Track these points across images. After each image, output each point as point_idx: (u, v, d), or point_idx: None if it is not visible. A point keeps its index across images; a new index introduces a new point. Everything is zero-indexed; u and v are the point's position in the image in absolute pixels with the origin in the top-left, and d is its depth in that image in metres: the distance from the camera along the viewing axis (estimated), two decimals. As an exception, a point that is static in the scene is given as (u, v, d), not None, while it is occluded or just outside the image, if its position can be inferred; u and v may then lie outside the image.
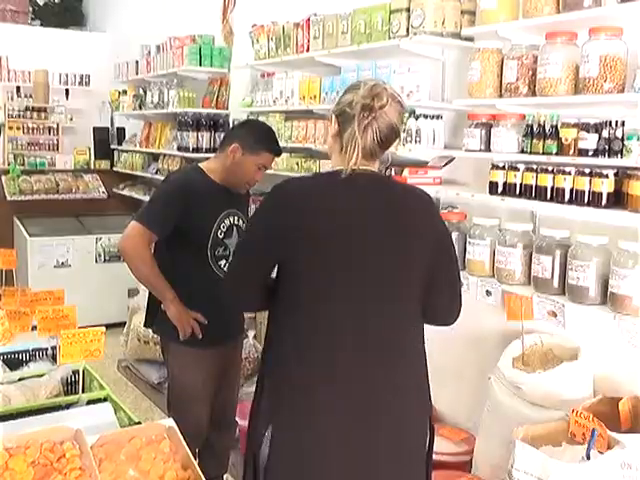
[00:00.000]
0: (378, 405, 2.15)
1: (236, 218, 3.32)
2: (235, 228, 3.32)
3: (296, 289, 2.17)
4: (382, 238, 2.14)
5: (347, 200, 2.16)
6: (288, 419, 2.14)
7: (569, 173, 2.94)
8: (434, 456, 3.48)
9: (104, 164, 8.44)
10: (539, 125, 3.08)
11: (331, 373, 2.12)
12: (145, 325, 3.58)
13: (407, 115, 3.74)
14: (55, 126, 8.74)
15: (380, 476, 2.18)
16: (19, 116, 8.55)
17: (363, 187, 2.17)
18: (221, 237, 3.26)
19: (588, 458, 2.55)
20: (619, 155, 2.77)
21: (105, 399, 2.64)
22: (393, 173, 3.82)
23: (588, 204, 2.88)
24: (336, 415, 2.11)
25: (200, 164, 3.41)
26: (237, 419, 3.76)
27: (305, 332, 2.15)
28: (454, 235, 3.52)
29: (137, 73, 7.41)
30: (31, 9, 10.68)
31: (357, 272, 2.13)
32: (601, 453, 2.58)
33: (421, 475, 2.38)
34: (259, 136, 3.33)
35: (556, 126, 3.01)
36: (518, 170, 3.18)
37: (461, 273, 3.47)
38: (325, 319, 2.14)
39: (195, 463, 2.05)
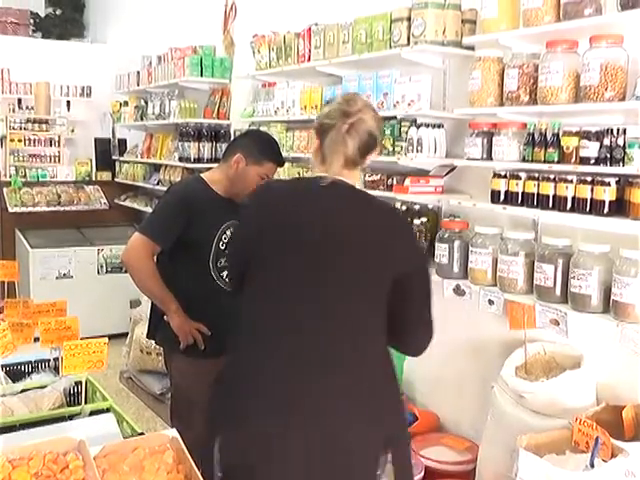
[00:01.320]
0: (308, 414, 2.09)
1: None
2: None
3: (255, 296, 2.23)
4: (343, 255, 2.12)
5: (316, 211, 2.18)
6: (227, 424, 2.19)
7: (571, 181, 2.94)
8: (438, 465, 3.50)
9: (105, 175, 8.44)
10: (540, 133, 3.08)
11: (263, 383, 2.14)
12: (148, 336, 3.57)
13: (408, 124, 3.75)
14: (56, 138, 8.73)
15: None
16: (20, 128, 8.54)
17: (337, 198, 2.17)
18: (223, 248, 3.25)
19: (592, 466, 2.55)
20: (621, 163, 2.76)
21: (108, 410, 2.64)
22: (395, 182, 3.83)
23: (590, 212, 2.88)
24: (264, 422, 2.10)
25: (202, 174, 3.41)
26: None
27: (251, 350, 2.21)
28: (456, 244, 3.53)
29: (138, 84, 7.41)
30: (32, 21, 10.69)
31: (312, 285, 2.13)
32: (605, 461, 2.58)
33: None
34: (263, 146, 3.34)
35: (557, 134, 3.01)
36: (520, 179, 3.18)
37: (463, 282, 3.52)
38: (267, 330, 2.18)
39: (199, 473, 2.04)
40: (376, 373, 2.19)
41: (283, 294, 2.16)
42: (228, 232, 3.27)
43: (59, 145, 8.73)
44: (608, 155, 2.80)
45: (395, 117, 3.88)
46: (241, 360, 2.23)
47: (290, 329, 2.14)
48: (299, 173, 4.63)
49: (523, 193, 3.16)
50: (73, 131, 9.21)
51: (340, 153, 2.15)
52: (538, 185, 3.09)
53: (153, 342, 4.17)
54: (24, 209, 7.65)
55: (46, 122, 8.73)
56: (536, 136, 3.10)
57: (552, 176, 3.03)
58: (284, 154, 3.85)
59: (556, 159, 3.00)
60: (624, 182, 2.82)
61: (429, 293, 2.26)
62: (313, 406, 2.08)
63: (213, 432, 2.21)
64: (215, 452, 2.17)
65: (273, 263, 2.18)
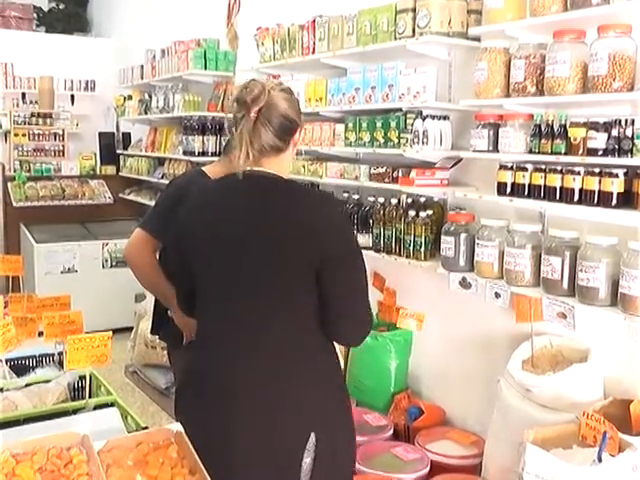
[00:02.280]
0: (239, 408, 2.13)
1: None
2: None
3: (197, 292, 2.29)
4: (256, 243, 2.09)
5: (231, 207, 2.16)
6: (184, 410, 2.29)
7: (578, 173, 2.91)
8: (444, 459, 3.49)
9: (110, 169, 8.45)
10: (547, 125, 3.06)
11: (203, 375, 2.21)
12: (152, 332, 3.56)
13: (414, 116, 3.72)
14: (60, 132, 8.73)
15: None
16: (25, 122, 8.54)
17: (253, 190, 2.14)
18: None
19: (599, 461, 2.54)
20: (629, 154, 2.74)
21: (112, 404, 2.63)
22: (400, 174, 3.81)
23: (597, 204, 2.86)
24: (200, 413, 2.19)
25: (204, 168, 3.38)
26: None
27: (198, 333, 2.35)
28: (462, 237, 3.51)
29: (142, 78, 7.41)
30: (35, 16, 10.68)
31: (237, 281, 2.14)
32: (612, 456, 2.56)
33: None
34: None
35: (565, 126, 2.99)
36: (526, 170, 3.16)
37: (469, 275, 3.50)
38: (202, 319, 2.30)
39: (203, 468, 2.03)
40: (300, 358, 2.15)
41: (212, 291, 2.21)
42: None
43: (63, 139, 8.73)
44: (616, 146, 2.78)
45: (400, 109, 3.86)
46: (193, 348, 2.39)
47: (225, 319, 2.17)
48: (303, 166, 4.62)
49: (530, 185, 3.14)
50: (77, 125, 9.20)
51: (252, 143, 2.09)
52: (545, 177, 3.06)
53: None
54: (28, 204, 7.66)
55: (50, 116, 8.73)
56: (543, 127, 3.08)
57: (559, 168, 3.00)
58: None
59: (563, 151, 2.98)
60: (632, 174, 2.80)
61: (359, 283, 2.16)
62: (241, 391, 2.12)
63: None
64: None
65: (202, 262, 2.21)
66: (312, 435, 2.11)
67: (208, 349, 2.23)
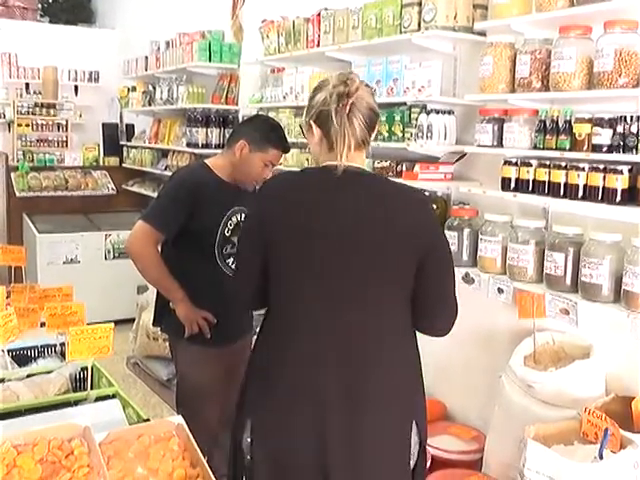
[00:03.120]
0: (350, 404, 2.11)
1: (243, 216, 3.28)
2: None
3: (275, 290, 2.20)
4: (363, 240, 2.09)
5: (331, 199, 2.12)
6: (267, 410, 2.18)
7: (582, 169, 2.91)
8: (444, 454, 3.49)
9: (113, 161, 8.44)
10: (552, 120, 3.05)
11: (304, 374, 2.14)
12: (153, 324, 3.56)
13: (418, 110, 3.72)
14: (64, 123, 8.73)
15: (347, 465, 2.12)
16: (28, 113, 8.54)
17: (351, 186, 2.12)
18: (228, 235, 3.23)
19: (601, 458, 2.54)
20: (634, 151, 2.73)
21: (114, 396, 2.63)
22: (404, 169, 3.80)
23: (602, 200, 2.85)
24: (308, 408, 2.12)
25: (206, 160, 3.37)
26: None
27: (279, 334, 2.20)
28: (465, 232, 3.51)
29: (146, 69, 7.40)
30: (40, 6, 10.67)
31: (334, 274, 2.11)
32: (614, 453, 2.56)
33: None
34: (266, 133, 3.29)
35: (570, 121, 2.98)
36: (531, 166, 3.15)
37: (472, 270, 3.49)
38: (296, 321, 2.16)
39: (204, 461, 2.03)
40: (406, 368, 2.22)
41: (309, 282, 2.14)
42: (234, 218, 3.24)
43: (66, 130, 8.73)
44: (621, 143, 2.77)
45: (405, 103, 3.85)
46: (272, 344, 2.23)
47: (319, 315, 2.13)
48: (307, 160, 4.61)
49: (534, 181, 3.14)
50: (81, 116, 9.21)
51: (349, 136, 2.09)
52: (549, 173, 3.06)
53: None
54: (31, 194, 7.66)
55: (54, 107, 8.73)
56: (548, 123, 3.07)
57: (563, 164, 3.00)
58: (292, 140, 3.83)
59: (568, 146, 2.97)
60: (637, 170, 2.79)
61: (451, 272, 2.22)
62: (341, 394, 2.09)
63: (244, 416, 2.24)
64: (245, 436, 2.22)
65: (296, 256, 2.14)
66: (414, 423, 2.19)
67: (302, 351, 2.15)
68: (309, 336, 2.13)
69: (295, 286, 2.16)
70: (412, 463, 2.22)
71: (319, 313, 2.12)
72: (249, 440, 2.20)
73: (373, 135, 2.20)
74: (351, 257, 2.09)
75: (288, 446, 2.13)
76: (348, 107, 2.07)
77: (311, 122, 2.17)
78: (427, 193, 3.86)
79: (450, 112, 3.71)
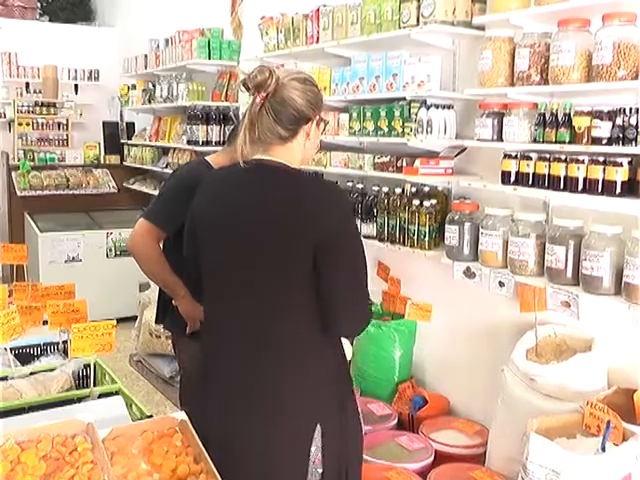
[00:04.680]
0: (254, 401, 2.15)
1: None
2: None
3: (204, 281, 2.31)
4: (262, 236, 2.08)
5: (232, 193, 2.18)
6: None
7: (582, 162, 2.90)
8: (448, 449, 3.49)
9: (114, 159, 8.45)
10: (552, 114, 3.05)
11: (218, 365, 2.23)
12: (156, 322, 3.56)
13: (418, 105, 3.71)
14: (65, 121, 8.75)
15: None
16: (29, 112, 8.56)
17: (254, 181, 2.14)
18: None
19: (603, 450, 2.54)
20: (633, 143, 2.73)
21: (117, 393, 2.64)
22: (405, 164, 3.80)
23: (602, 193, 2.85)
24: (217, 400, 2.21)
25: (207, 157, 3.38)
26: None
27: (203, 327, 2.39)
28: (466, 226, 3.51)
29: (146, 67, 7.40)
30: (39, 5, 10.65)
31: (236, 271, 2.14)
32: (616, 445, 2.57)
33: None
34: None
35: (569, 114, 2.98)
36: (531, 159, 3.15)
37: (473, 264, 3.50)
38: (208, 319, 2.31)
39: (208, 456, 2.03)
40: (303, 352, 2.14)
41: (218, 279, 2.21)
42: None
43: (67, 129, 8.76)
44: (620, 135, 2.77)
45: (405, 98, 3.85)
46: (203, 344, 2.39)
47: (229, 313, 2.18)
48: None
49: (534, 174, 3.14)
50: (81, 115, 9.22)
51: (255, 128, 2.10)
52: (549, 166, 3.06)
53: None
54: (33, 193, 7.67)
55: (54, 106, 8.75)
56: (547, 116, 3.07)
57: (563, 157, 3.00)
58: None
59: (567, 139, 2.97)
60: (636, 162, 2.79)
61: (358, 269, 2.13)
62: (239, 394, 2.16)
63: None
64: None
65: (208, 249, 2.23)
66: (318, 425, 2.13)
67: (215, 339, 2.26)
68: (214, 336, 2.25)
69: (205, 284, 2.27)
70: (312, 468, 2.15)
71: (223, 314, 2.20)
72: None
73: (306, 130, 2.16)
74: (251, 254, 2.11)
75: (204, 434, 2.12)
76: (261, 100, 2.08)
77: None
78: (427, 188, 3.88)
79: (450, 107, 3.71)
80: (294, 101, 2.11)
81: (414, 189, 3.91)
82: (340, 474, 2.22)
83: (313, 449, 2.13)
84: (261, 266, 2.10)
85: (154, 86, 7.24)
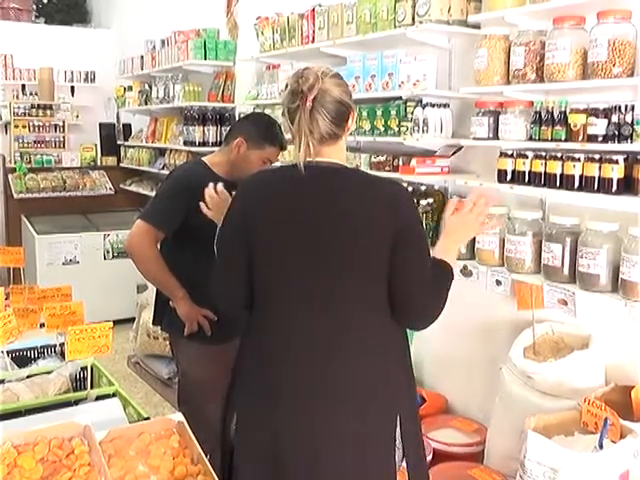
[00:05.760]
0: (327, 393, 2.11)
1: None
2: None
3: (256, 287, 2.21)
4: (333, 235, 2.09)
5: (299, 197, 2.14)
6: (249, 405, 2.21)
7: (578, 159, 2.90)
8: (446, 447, 3.49)
9: (111, 160, 8.44)
10: (547, 111, 3.05)
11: (285, 371, 2.14)
12: (154, 323, 3.56)
13: (414, 104, 3.71)
14: (61, 123, 8.73)
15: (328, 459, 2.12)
16: (25, 114, 8.54)
17: (315, 181, 2.12)
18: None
19: (601, 447, 2.54)
20: (629, 140, 2.73)
21: (114, 395, 2.63)
22: (401, 163, 3.81)
23: (598, 190, 2.85)
24: (289, 400, 2.12)
25: (204, 158, 3.38)
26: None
27: (256, 332, 2.23)
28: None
29: (142, 68, 7.39)
30: (35, 7, 10.64)
31: (305, 272, 2.11)
32: (614, 442, 2.57)
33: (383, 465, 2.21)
34: (264, 130, 3.29)
35: (565, 112, 2.98)
36: (527, 157, 3.15)
37: (470, 262, 3.50)
38: (270, 320, 2.18)
39: (205, 458, 2.03)
40: (385, 356, 2.18)
41: (286, 278, 2.14)
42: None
43: (64, 130, 8.73)
44: (616, 132, 2.77)
45: (400, 97, 3.85)
46: (251, 343, 2.27)
47: (299, 309, 2.13)
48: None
49: (530, 172, 3.13)
50: (78, 116, 9.20)
51: (311, 133, 2.08)
52: (545, 164, 3.05)
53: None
54: (29, 195, 7.67)
55: (50, 108, 8.73)
56: (543, 114, 3.07)
57: (559, 154, 2.99)
58: (289, 137, 3.82)
59: (563, 137, 2.97)
60: (632, 159, 2.79)
61: (425, 253, 2.18)
62: (308, 393, 2.10)
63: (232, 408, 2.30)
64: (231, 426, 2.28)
65: (272, 253, 2.16)
66: (398, 418, 2.17)
67: (282, 339, 2.17)
68: (280, 336, 2.15)
69: (269, 284, 2.18)
70: (398, 457, 2.20)
71: (291, 312, 2.14)
72: (234, 428, 2.27)
73: (349, 125, 2.18)
74: (320, 253, 2.09)
75: (262, 439, 2.14)
76: (309, 103, 2.06)
77: (284, 119, 2.19)
78: (424, 187, 3.88)
79: (446, 105, 3.71)
80: (340, 96, 2.13)
81: (411, 188, 3.90)
82: (419, 454, 2.30)
83: (398, 436, 2.18)
84: (336, 265, 2.09)
85: (150, 87, 7.24)
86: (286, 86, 2.17)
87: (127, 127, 8.41)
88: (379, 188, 2.16)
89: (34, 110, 8.61)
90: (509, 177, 3.24)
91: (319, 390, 2.09)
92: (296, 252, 2.11)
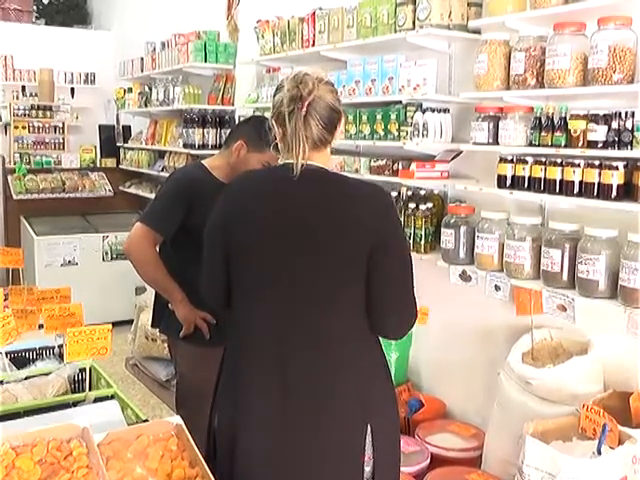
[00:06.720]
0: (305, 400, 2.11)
1: None
2: None
3: (235, 286, 2.21)
4: (317, 238, 2.08)
5: (286, 197, 2.13)
6: (229, 405, 2.22)
7: (578, 165, 2.91)
8: (444, 452, 3.50)
9: (110, 162, 8.45)
10: (547, 117, 3.05)
11: (265, 373, 2.13)
12: (152, 325, 3.55)
13: (414, 109, 3.72)
14: (61, 125, 8.74)
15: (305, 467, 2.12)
16: (25, 115, 8.55)
17: (307, 184, 2.11)
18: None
19: (599, 453, 2.54)
20: (629, 147, 2.74)
21: (112, 397, 2.63)
22: (400, 167, 3.81)
23: (597, 196, 2.85)
24: (266, 401, 2.12)
25: (203, 161, 3.38)
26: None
27: (236, 334, 2.23)
28: (462, 229, 3.51)
29: (142, 70, 7.39)
30: (35, 8, 10.66)
31: (288, 272, 2.10)
32: (612, 448, 2.57)
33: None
34: (264, 133, 3.28)
35: (565, 118, 2.98)
36: (527, 163, 3.15)
37: (469, 267, 3.50)
38: (250, 322, 2.18)
39: (203, 460, 2.03)
40: (355, 351, 2.15)
41: (263, 280, 2.15)
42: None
43: (63, 132, 8.75)
44: (616, 138, 2.77)
45: (400, 102, 3.85)
46: (231, 345, 2.30)
47: (274, 314, 2.13)
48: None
49: (530, 178, 3.14)
50: (77, 118, 9.21)
51: (304, 138, 2.08)
52: (545, 169, 3.06)
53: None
54: (29, 196, 7.67)
55: (50, 109, 8.75)
56: (543, 120, 3.07)
57: (559, 160, 3.00)
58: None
59: (563, 143, 2.97)
60: (632, 166, 2.79)
61: (407, 271, 2.16)
62: (285, 394, 2.10)
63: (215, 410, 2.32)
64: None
65: (253, 249, 2.16)
66: (369, 426, 2.13)
67: (256, 340, 2.17)
68: (258, 338, 2.15)
69: (248, 285, 2.18)
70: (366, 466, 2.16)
71: (270, 314, 2.13)
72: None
73: (337, 133, 2.18)
74: (303, 256, 2.09)
75: (244, 440, 2.14)
76: (304, 109, 2.06)
77: (273, 121, 2.18)
78: (423, 191, 3.88)
79: (446, 110, 3.71)
80: (333, 102, 2.13)
81: (410, 192, 3.91)
82: (394, 467, 2.28)
83: (366, 448, 2.14)
84: (317, 267, 2.09)
85: (150, 89, 7.24)
86: (279, 88, 2.16)
87: (127, 129, 8.41)
88: (359, 189, 2.16)
89: (34, 111, 8.62)
90: (509, 182, 3.24)
91: (291, 391, 2.10)
92: (277, 253, 2.11)
